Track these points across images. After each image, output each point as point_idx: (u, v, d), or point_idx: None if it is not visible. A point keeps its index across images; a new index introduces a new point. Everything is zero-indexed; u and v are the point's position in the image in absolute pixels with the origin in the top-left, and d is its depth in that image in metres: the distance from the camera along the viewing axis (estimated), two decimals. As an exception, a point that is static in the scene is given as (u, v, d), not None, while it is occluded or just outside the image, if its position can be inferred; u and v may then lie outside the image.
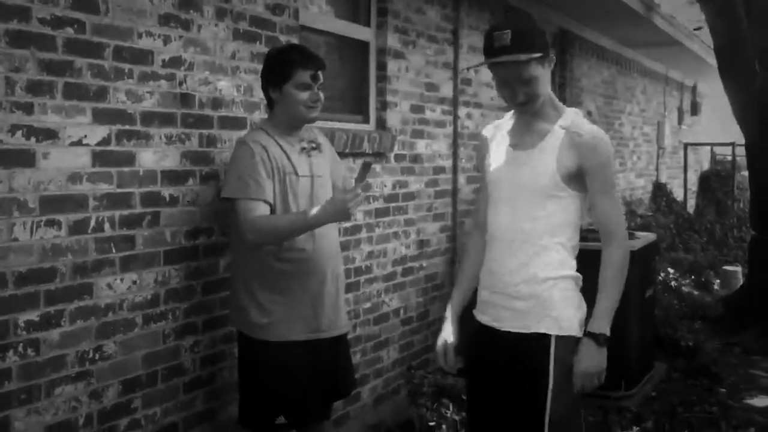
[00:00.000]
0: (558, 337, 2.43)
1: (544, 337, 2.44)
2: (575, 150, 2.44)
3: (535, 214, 2.47)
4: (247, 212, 2.86)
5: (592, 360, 2.41)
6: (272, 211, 2.92)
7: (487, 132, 2.73)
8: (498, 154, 2.61)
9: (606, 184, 2.47)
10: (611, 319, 2.45)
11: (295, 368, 2.97)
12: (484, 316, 2.59)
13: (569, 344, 2.44)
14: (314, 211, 2.82)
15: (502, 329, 2.52)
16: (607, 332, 2.43)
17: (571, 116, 2.52)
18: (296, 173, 2.99)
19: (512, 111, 2.63)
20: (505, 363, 2.50)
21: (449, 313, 2.69)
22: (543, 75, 2.43)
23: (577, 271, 2.54)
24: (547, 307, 2.45)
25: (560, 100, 2.64)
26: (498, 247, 2.55)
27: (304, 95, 2.96)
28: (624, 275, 2.48)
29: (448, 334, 2.65)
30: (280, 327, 2.95)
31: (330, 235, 3.08)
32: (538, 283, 2.47)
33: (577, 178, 2.47)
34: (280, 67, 2.99)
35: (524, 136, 2.54)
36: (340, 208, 2.75)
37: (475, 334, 2.63)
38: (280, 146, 2.99)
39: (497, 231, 2.56)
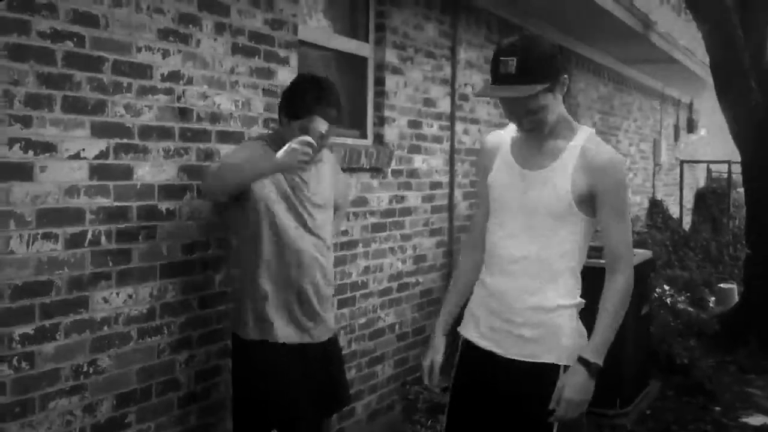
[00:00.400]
0: (566, 367, 2.32)
1: (553, 367, 2.33)
2: (589, 171, 2.31)
3: (548, 238, 2.34)
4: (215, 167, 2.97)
5: (579, 389, 2.27)
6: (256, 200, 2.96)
7: (492, 142, 2.55)
8: (504, 170, 2.45)
9: (618, 208, 2.33)
10: (606, 351, 2.33)
11: (283, 370, 2.97)
12: (483, 341, 2.46)
13: None
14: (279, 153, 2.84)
15: (505, 356, 2.39)
16: (601, 363, 2.31)
17: (586, 135, 2.39)
18: (299, 176, 3.02)
19: None
20: (507, 390, 2.39)
21: (438, 331, 2.59)
22: (553, 102, 2.31)
23: (588, 288, 2.44)
24: (557, 335, 2.35)
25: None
26: (502, 270, 2.41)
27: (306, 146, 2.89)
28: (626, 305, 2.35)
29: (436, 351, 2.56)
30: (267, 327, 2.97)
31: (309, 248, 3.05)
32: (547, 312, 2.35)
33: (589, 201, 2.34)
34: (301, 104, 2.96)
35: (535, 155, 2.40)
36: (291, 156, 2.80)
37: (468, 357, 2.51)
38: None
39: (503, 253, 2.41)
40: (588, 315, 2.40)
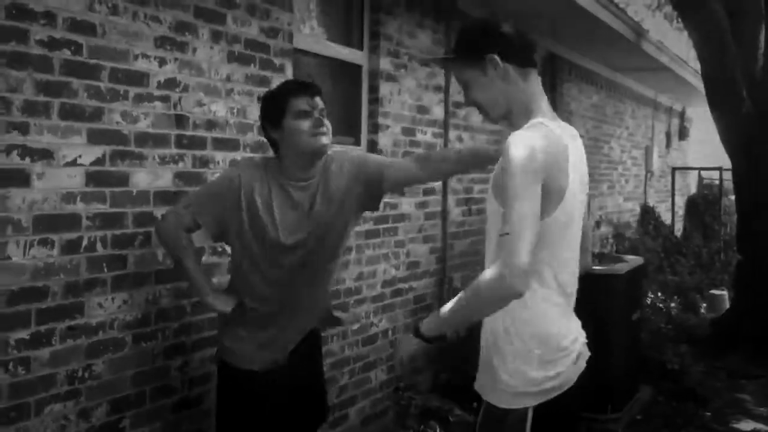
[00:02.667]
0: None
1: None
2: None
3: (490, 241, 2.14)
4: (177, 210, 2.80)
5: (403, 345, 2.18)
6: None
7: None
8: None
9: (507, 191, 1.93)
10: (438, 325, 2.08)
11: (259, 398, 2.85)
12: None
13: None
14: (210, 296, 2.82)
15: None
16: (424, 331, 2.10)
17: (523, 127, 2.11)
18: (276, 231, 2.76)
19: None
20: None
21: None
22: (482, 81, 2.15)
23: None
24: None
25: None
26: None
27: (305, 123, 2.69)
28: (484, 303, 1.95)
29: None
30: (244, 355, 2.84)
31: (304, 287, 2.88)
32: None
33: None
34: (273, 103, 2.77)
35: None
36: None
37: None
38: (270, 190, 2.76)
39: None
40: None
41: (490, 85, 2.15)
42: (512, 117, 2.18)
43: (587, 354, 2.20)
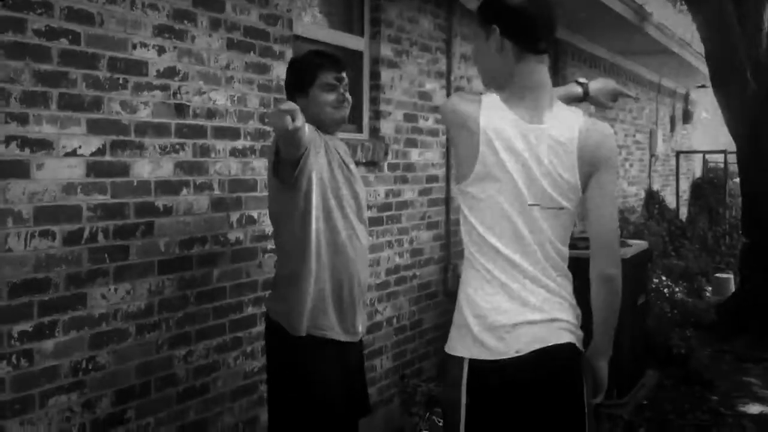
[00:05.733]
0: None
1: None
2: None
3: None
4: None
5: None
6: (306, 192, 2.81)
7: None
8: None
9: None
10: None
11: (330, 368, 2.87)
12: None
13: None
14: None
15: None
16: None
17: None
18: (348, 169, 2.97)
19: None
20: None
21: None
22: (481, 45, 2.17)
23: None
24: None
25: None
26: None
27: (331, 96, 2.91)
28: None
29: None
30: (317, 322, 2.85)
31: (364, 241, 3.00)
32: None
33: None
34: (304, 72, 2.96)
35: None
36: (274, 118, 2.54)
37: None
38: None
39: None
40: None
41: (486, 53, 2.16)
42: (499, 91, 2.15)
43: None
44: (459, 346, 2.11)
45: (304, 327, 2.83)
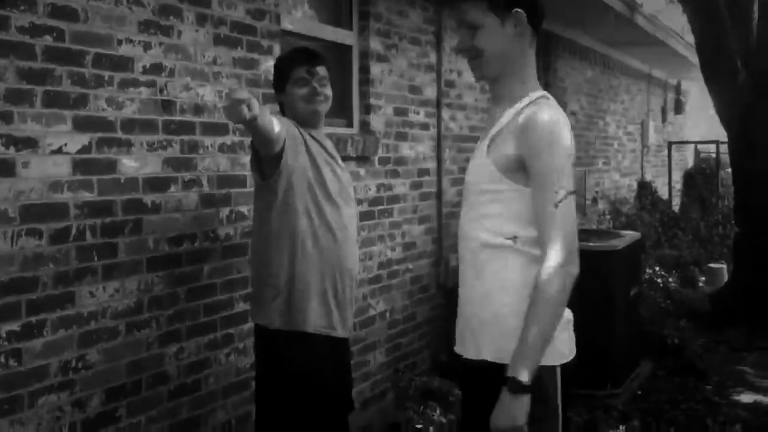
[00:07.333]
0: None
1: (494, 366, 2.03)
2: (513, 135, 2.04)
3: (475, 216, 2.11)
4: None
5: (500, 411, 1.92)
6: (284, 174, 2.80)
7: None
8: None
9: (540, 176, 1.98)
10: (533, 360, 1.91)
11: (318, 364, 2.86)
12: (457, 345, 2.26)
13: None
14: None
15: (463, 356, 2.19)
16: (524, 378, 1.89)
17: (528, 99, 2.10)
18: (336, 163, 2.98)
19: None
20: (468, 394, 2.24)
21: None
22: (495, 31, 2.06)
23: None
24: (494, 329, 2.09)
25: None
26: (461, 262, 2.22)
27: (303, 90, 2.93)
28: (555, 308, 1.93)
29: None
30: (302, 317, 2.83)
31: (353, 233, 3.00)
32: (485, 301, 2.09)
33: (518, 168, 2.03)
34: (280, 69, 3.03)
35: (486, 125, 2.19)
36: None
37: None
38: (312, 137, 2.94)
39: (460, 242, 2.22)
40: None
41: (501, 39, 2.08)
42: (503, 78, 2.13)
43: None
44: (553, 354, 2.01)
45: (299, 322, 2.83)
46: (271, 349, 2.90)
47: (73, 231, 2.76)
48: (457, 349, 2.22)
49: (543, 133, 1.98)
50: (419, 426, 4.09)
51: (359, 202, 4.43)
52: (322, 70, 2.98)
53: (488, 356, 2.06)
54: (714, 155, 12.74)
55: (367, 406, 4.57)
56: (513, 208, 2.04)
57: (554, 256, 1.93)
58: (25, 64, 2.59)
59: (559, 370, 2.04)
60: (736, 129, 7.32)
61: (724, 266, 8.77)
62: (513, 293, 2.03)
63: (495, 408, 1.92)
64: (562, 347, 2.06)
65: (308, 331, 2.84)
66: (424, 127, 5.19)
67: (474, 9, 2.06)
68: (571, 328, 2.13)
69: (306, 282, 2.83)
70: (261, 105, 2.52)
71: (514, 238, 2.04)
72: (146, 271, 3.04)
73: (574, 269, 1.95)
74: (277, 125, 2.66)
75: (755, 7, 7.22)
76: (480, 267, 2.09)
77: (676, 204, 12.46)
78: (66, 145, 2.73)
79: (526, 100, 2.09)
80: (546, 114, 2.01)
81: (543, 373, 1.97)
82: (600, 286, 4.87)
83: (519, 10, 2.06)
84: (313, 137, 2.93)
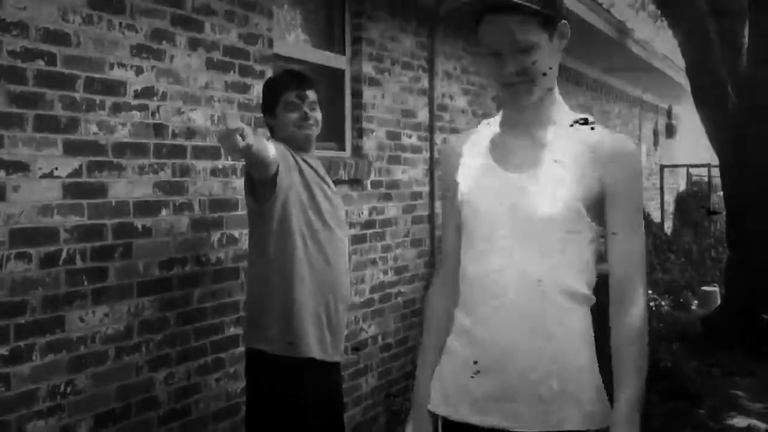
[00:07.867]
0: None
1: None
2: (590, 165, 1.75)
3: (555, 260, 1.75)
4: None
5: None
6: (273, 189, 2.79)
7: (456, 143, 1.94)
8: (479, 176, 1.83)
9: (631, 214, 1.76)
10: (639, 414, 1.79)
11: (311, 388, 2.85)
12: (485, 416, 1.75)
13: None
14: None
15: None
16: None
17: (570, 118, 1.86)
18: (328, 186, 2.99)
19: (490, 119, 1.95)
20: None
21: (418, 407, 1.90)
22: (547, 48, 1.77)
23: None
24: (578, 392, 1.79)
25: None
26: (497, 310, 1.74)
27: (293, 115, 2.93)
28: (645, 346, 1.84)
29: None
30: (296, 341, 2.81)
31: (344, 256, 3.00)
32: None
33: (598, 205, 1.76)
34: (269, 93, 3.02)
35: (521, 152, 1.81)
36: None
37: None
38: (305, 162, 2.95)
39: (496, 287, 1.75)
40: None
41: (554, 55, 1.82)
42: (550, 96, 1.85)
43: None
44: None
45: (297, 347, 2.81)
46: (264, 373, 2.89)
47: (63, 255, 2.75)
48: (496, 422, 1.74)
49: (635, 164, 1.78)
50: (411, 451, 4.05)
51: (351, 225, 4.43)
52: (312, 94, 2.98)
53: (572, 425, 1.76)
54: (706, 179, 12.79)
55: (359, 431, 4.54)
56: (591, 251, 1.80)
57: (642, 302, 1.78)
58: (17, 87, 2.59)
59: None
60: (728, 153, 7.35)
61: (717, 289, 8.77)
62: (591, 351, 1.84)
63: None
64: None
65: (305, 356, 2.83)
66: (417, 150, 5.21)
67: (525, 27, 1.74)
68: None
69: (304, 306, 2.82)
70: (254, 131, 2.52)
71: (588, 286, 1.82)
72: (136, 295, 3.03)
73: None
74: (271, 150, 2.66)
75: (745, 32, 7.28)
76: (558, 320, 1.78)
77: (668, 227, 12.50)
78: (57, 169, 2.72)
79: (567, 119, 1.84)
80: (629, 142, 1.81)
81: None
82: (592, 308, 4.85)
83: (566, 21, 1.83)
84: (305, 161, 2.93)
